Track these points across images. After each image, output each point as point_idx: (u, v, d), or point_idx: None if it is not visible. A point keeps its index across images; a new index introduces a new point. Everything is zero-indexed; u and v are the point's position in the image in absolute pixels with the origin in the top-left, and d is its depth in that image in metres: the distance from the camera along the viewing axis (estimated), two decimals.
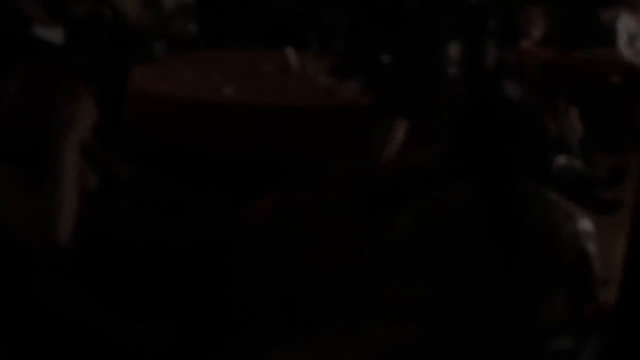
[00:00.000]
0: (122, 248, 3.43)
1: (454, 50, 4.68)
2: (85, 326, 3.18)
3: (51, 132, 3.12)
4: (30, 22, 5.67)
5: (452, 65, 4.66)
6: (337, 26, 6.61)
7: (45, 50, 5.58)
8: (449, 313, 2.87)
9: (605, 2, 7.59)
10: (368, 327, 4.03)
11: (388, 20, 5.11)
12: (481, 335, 2.83)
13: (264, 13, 7.29)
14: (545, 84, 5.57)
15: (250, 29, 7.13)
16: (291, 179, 4.56)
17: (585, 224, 2.88)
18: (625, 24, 7.42)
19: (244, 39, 6.97)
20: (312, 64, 5.63)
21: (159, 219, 3.71)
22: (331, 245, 4.37)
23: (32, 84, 3.21)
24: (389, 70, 4.88)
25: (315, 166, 4.63)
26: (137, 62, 5.87)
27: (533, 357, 2.88)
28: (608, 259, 3.10)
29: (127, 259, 3.40)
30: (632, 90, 6.95)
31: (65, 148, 3.11)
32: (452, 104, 4.46)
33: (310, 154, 4.84)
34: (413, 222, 2.93)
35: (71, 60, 5.59)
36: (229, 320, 3.76)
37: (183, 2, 6.89)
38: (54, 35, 5.79)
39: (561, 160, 5.27)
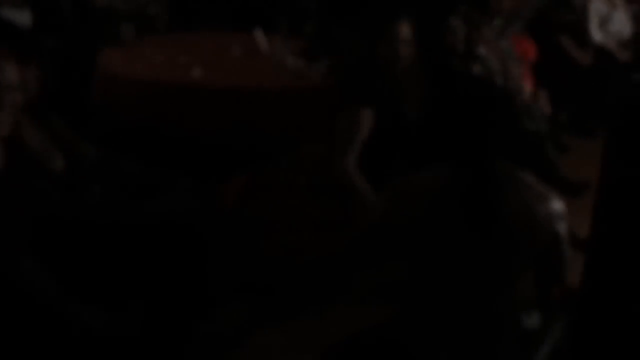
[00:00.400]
0: (90, 230, 3.41)
1: (415, 30, 4.65)
2: (51, 313, 3.16)
3: None
4: None
5: (416, 46, 4.64)
6: (306, 9, 6.59)
7: (12, 33, 5.54)
8: (425, 292, 2.89)
9: None
10: (343, 306, 4.04)
11: (355, 2, 5.10)
12: (454, 314, 2.85)
13: None
14: (513, 65, 5.57)
15: (219, 12, 7.10)
16: (261, 162, 4.55)
17: (558, 206, 2.91)
18: (597, 6, 7.43)
19: (213, 22, 6.94)
20: (281, 47, 5.62)
21: (127, 201, 3.70)
22: (302, 228, 4.38)
23: None
24: (351, 53, 4.87)
25: (285, 149, 4.62)
26: (105, 44, 5.84)
27: (504, 337, 2.91)
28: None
29: (94, 240, 3.39)
30: (602, 73, 6.98)
31: None
32: (416, 87, 4.46)
33: (280, 136, 4.83)
34: (389, 204, 2.95)
35: (39, 42, 5.55)
36: (200, 304, 3.76)
37: None
38: (22, 17, 5.74)
39: (530, 141, 5.29)
